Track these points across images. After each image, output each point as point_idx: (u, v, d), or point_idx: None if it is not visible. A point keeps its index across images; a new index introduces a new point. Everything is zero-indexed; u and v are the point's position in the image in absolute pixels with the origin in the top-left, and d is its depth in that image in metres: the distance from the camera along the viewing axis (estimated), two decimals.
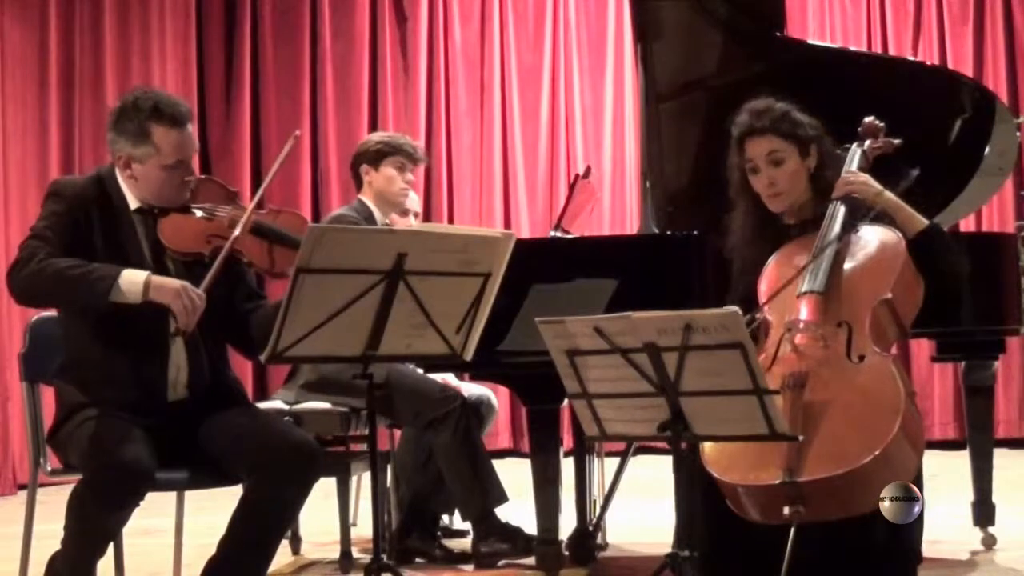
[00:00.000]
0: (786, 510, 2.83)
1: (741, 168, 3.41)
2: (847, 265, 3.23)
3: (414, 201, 4.90)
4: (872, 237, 3.28)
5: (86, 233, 3.26)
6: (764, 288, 3.28)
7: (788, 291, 3.19)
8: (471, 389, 4.59)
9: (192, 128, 3.36)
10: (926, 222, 3.30)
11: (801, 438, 2.84)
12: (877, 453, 2.84)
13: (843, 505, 2.87)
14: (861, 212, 3.32)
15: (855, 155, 3.47)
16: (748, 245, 3.39)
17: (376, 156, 4.65)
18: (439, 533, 4.66)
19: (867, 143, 3.52)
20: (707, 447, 3.00)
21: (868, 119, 3.57)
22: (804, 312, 3.15)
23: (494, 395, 4.88)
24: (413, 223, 4.78)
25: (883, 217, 3.32)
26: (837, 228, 3.26)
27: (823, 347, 3.09)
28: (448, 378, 4.63)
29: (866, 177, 3.33)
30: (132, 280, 3.15)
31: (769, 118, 3.37)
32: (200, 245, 3.29)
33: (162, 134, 3.28)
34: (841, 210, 3.29)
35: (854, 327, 3.11)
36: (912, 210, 3.31)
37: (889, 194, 3.30)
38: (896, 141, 3.56)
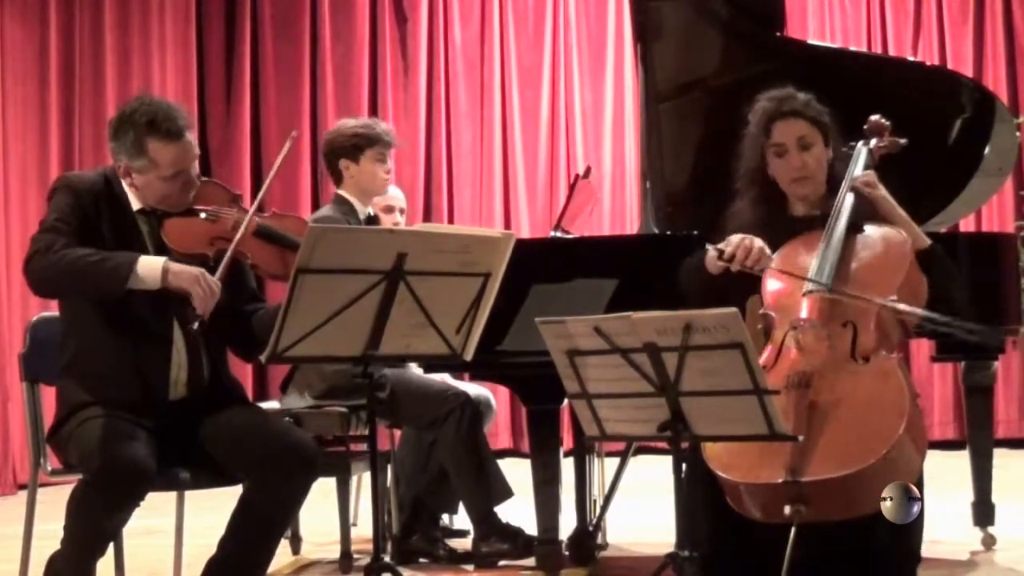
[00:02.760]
0: (787, 510, 2.83)
1: (759, 155, 3.40)
2: (853, 265, 3.22)
3: (399, 199, 4.86)
4: (878, 237, 3.27)
5: (95, 225, 3.26)
6: (769, 286, 3.27)
7: (793, 290, 3.19)
8: (470, 389, 4.59)
9: (192, 135, 3.35)
10: (928, 242, 3.30)
11: (801, 438, 2.83)
12: (881, 455, 2.84)
13: (845, 506, 2.87)
14: (867, 211, 3.33)
15: (860, 154, 3.46)
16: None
17: (354, 149, 4.54)
18: (438, 534, 4.66)
19: (873, 142, 3.51)
20: (709, 444, 2.99)
21: (874, 117, 3.57)
22: (809, 311, 3.14)
23: (493, 396, 4.88)
24: (399, 220, 4.75)
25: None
26: (843, 227, 3.25)
27: (828, 347, 3.09)
28: (446, 378, 4.62)
29: (882, 188, 3.33)
30: (150, 266, 3.15)
31: (798, 102, 3.39)
32: (204, 247, 3.30)
33: (158, 148, 3.27)
34: (847, 209, 3.29)
35: (859, 327, 3.10)
36: (917, 228, 3.32)
37: (900, 209, 3.31)
38: (902, 140, 3.56)
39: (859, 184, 3.31)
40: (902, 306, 3.08)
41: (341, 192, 4.61)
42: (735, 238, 3.24)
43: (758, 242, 3.22)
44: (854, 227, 3.28)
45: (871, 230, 3.29)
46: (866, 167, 3.43)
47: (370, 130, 4.57)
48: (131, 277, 3.14)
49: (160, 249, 3.32)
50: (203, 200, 3.38)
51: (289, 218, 3.48)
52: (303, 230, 3.22)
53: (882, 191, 3.32)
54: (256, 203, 3.32)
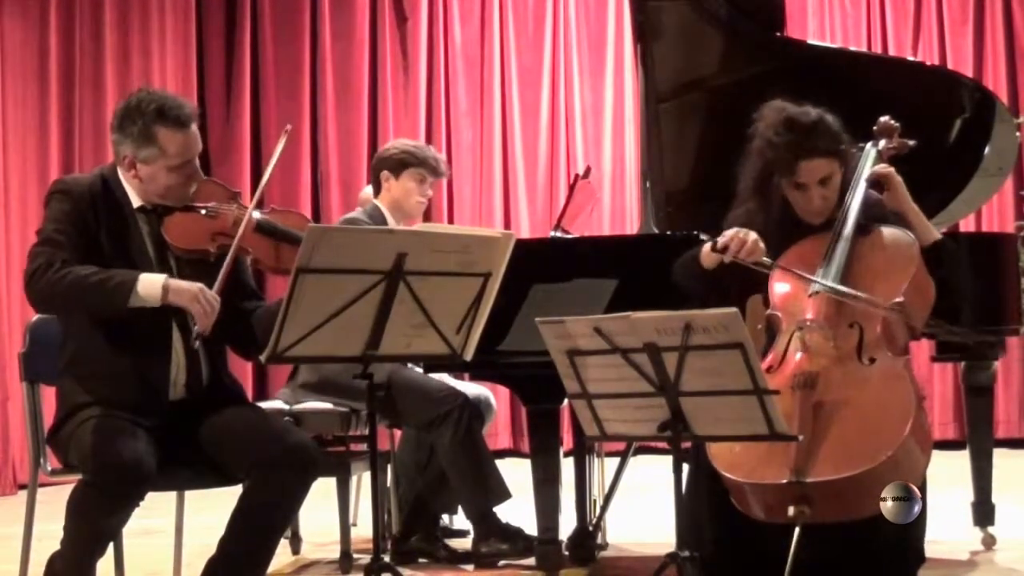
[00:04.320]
0: (791, 510, 2.83)
1: (770, 171, 3.35)
2: (859, 267, 3.21)
3: None
4: (886, 239, 3.27)
5: (94, 231, 3.26)
6: (776, 287, 3.27)
7: (800, 290, 3.18)
8: (470, 389, 4.59)
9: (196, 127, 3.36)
10: (939, 235, 3.30)
11: (801, 438, 2.83)
12: (886, 457, 2.84)
13: (849, 507, 2.86)
14: (875, 213, 3.32)
15: (869, 155, 3.45)
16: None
17: (397, 165, 4.64)
18: (438, 534, 4.66)
19: (882, 143, 3.50)
20: (715, 442, 2.98)
21: (883, 119, 3.56)
22: (815, 312, 3.14)
23: (493, 395, 4.88)
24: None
25: (897, 221, 3.32)
26: (850, 229, 3.25)
27: (834, 348, 3.08)
28: (444, 378, 4.62)
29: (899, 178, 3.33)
30: (150, 285, 3.16)
31: (821, 137, 3.31)
32: (205, 243, 3.30)
33: (167, 136, 3.28)
34: (855, 211, 3.28)
35: (865, 329, 3.10)
36: (927, 220, 3.31)
37: (911, 201, 3.30)
38: (911, 142, 3.55)
39: (880, 172, 3.30)
40: (907, 308, 3.08)
41: (377, 202, 4.68)
42: (730, 231, 3.23)
43: (752, 235, 3.21)
44: (862, 229, 3.27)
45: (878, 232, 3.28)
46: None
47: (418, 151, 4.70)
48: (132, 297, 3.15)
49: (160, 248, 3.32)
50: (202, 198, 3.37)
51: (291, 214, 3.48)
52: (303, 225, 3.22)
53: (903, 188, 3.32)
54: (256, 196, 3.32)
